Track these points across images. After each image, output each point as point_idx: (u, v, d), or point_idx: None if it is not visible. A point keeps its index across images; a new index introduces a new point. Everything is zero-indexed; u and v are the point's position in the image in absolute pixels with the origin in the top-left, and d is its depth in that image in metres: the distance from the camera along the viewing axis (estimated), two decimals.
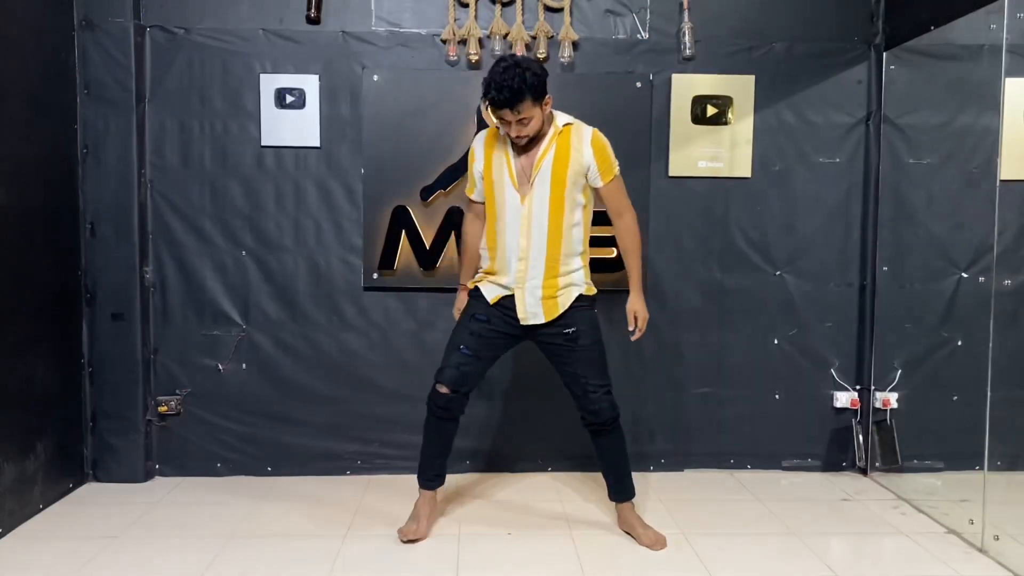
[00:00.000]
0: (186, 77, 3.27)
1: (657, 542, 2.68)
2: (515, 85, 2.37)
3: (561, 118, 2.60)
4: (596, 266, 3.28)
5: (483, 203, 2.69)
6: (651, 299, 3.40)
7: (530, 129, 2.49)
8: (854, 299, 3.49)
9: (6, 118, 2.76)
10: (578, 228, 2.62)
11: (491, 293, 2.65)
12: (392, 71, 3.30)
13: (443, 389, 2.66)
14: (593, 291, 2.68)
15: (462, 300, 2.81)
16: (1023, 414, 2.89)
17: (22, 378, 2.85)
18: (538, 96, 2.44)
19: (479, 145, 2.68)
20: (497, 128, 2.62)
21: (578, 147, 2.56)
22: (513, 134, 2.50)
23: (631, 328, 2.71)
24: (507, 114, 2.45)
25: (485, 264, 2.69)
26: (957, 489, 3.11)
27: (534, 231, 2.56)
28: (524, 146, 2.57)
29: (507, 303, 2.63)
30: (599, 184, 2.62)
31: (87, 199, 3.20)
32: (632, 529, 2.74)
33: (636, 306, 2.70)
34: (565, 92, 3.18)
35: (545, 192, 2.54)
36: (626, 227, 2.68)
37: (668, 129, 3.38)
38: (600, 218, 3.30)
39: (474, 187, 2.72)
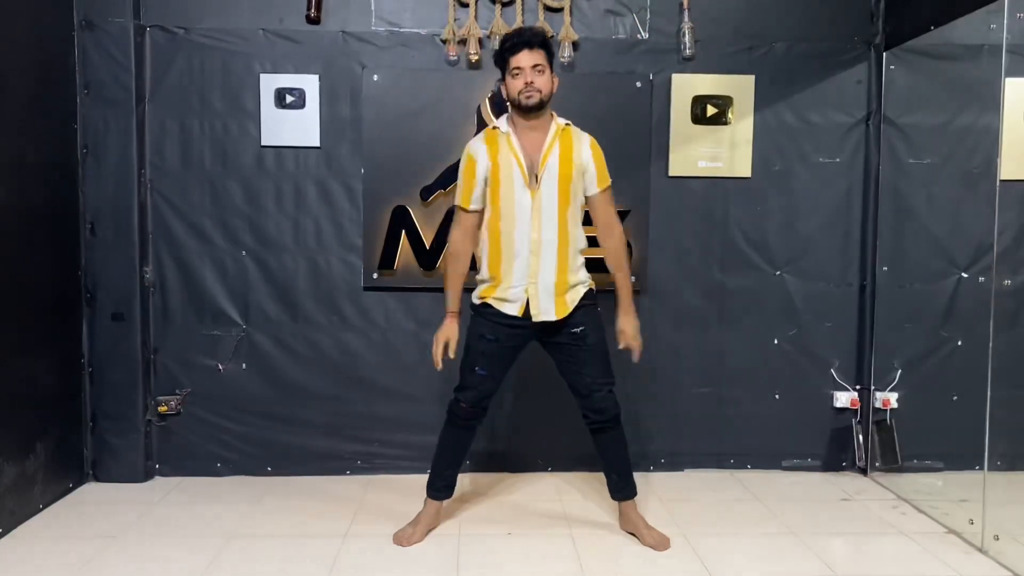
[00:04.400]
0: (186, 77, 3.27)
1: (661, 543, 2.67)
2: (535, 29, 2.62)
3: (560, 119, 2.63)
4: (595, 266, 3.29)
5: (480, 211, 2.61)
6: (651, 299, 3.42)
7: (542, 83, 2.50)
8: (854, 299, 3.49)
9: (6, 118, 2.76)
10: (580, 224, 2.63)
11: (511, 308, 2.58)
12: (392, 71, 3.30)
13: (465, 405, 2.67)
14: (592, 284, 2.70)
15: (451, 329, 2.64)
16: (1023, 414, 2.89)
17: (22, 378, 2.85)
18: (551, 54, 2.56)
19: (480, 148, 2.59)
20: (494, 129, 2.61)
21: (578, 147, 2.60)
22: (527, 80, 2.49)
23: (622, 346, 2.69)
24: (524, 57, 2.49)
25: (483, 272, 2.63)
26: (957, 489, 3.11)
27: (545, 225, 2.55)
28: (528, 143, 2.55)
29: (510, 318, 2.59)
30: (593, 191, 2.63)
31: (87, 199, 3.20)
32: (636, 529, 2.74)
33: (629, 324, 2.67)
34: (565, 92, 3.17)
35: (553, 187, 2.55)
36: (618, 241, 2.69)
37: (668, 129, 3.38)
38: None
39: (471, 194, 2.58)
